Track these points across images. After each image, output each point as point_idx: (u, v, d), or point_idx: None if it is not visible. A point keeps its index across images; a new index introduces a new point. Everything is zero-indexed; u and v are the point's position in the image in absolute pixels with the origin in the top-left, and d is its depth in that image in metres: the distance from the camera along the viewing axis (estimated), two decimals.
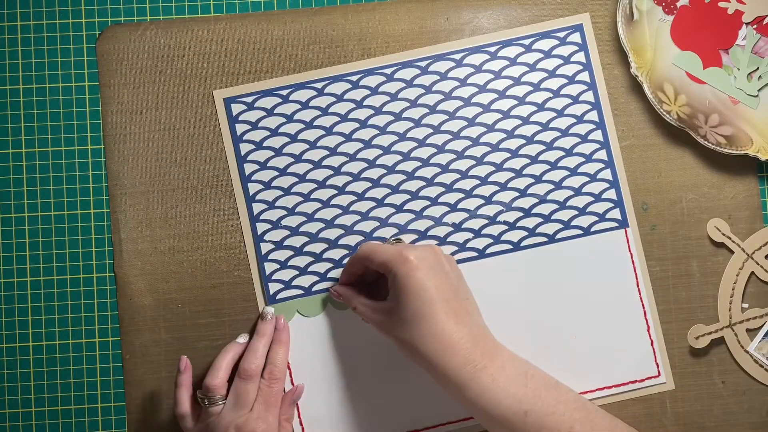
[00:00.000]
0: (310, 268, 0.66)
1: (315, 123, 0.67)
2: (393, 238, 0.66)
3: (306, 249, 0.66)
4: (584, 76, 0.67)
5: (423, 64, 0.67)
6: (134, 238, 0.66)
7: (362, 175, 0.67)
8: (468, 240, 0.66)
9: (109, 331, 0.66)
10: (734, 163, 0.67)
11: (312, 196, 0.66)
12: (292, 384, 0.65)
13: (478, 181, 0.67)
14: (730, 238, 0.67)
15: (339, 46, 0.67)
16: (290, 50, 0.67)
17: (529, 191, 0.67)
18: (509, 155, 0.67)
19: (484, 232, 0.66)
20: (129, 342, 0.66)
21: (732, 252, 0.67)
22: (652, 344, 0.66)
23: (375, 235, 0.66)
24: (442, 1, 0.68)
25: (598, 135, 0.67)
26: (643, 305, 0.66)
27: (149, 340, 0.66)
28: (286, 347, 0.64)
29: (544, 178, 0.67)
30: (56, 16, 0.67)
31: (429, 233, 0.66)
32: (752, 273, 0.66)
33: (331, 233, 0.66)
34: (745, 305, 0.66)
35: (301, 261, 0.66)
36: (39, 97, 0.67)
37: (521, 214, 0.67)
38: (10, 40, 0.67)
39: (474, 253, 0.66)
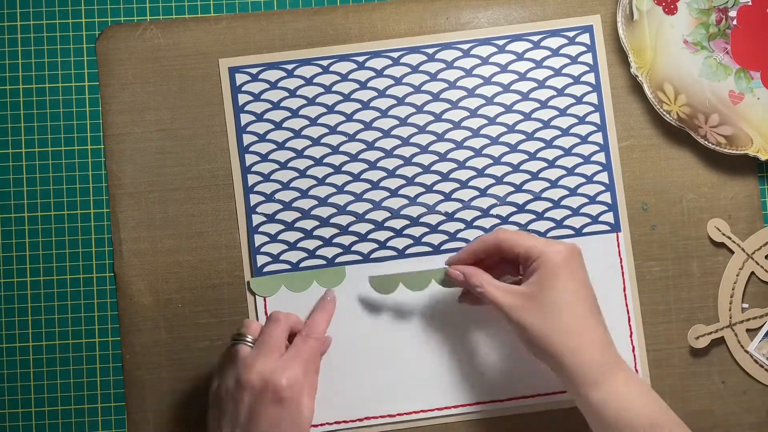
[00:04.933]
0: (300, 244, 0.66)
1: (317, 100, 0.67)
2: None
3: (297, 225, 0.66)
4: (590, 78, 0.67)
5: (430, 51, 0.67)
6: (134, 238, 0.66)
7: (359, 156, 0.66)
8: (459, 230, 0.66)
9: (109, 331, 0.66)
10: (734, 163, 0.67)
11: (308, 173, 0.66)
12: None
13: (474, 173, 0.67)
14: (730, 238, 0.66)
15: (339, 46, 0.67)
16: (290, 50, 0.67)
17: (524, 187, 0.67)
18: (507, 149, 0.67)
19: (476, 224, 0.66)
20: (129, 342, 0.66)
21: (732, 252, 0.67)
22: (633, 350, 0.66)
23: (367, 217, 0.66)
24: (442, 1, 0.68)
25: (598, 137, 0.67)
26: (627, 311, 0.66)
27: (149, 340, 0.66)
28: (328, 315, 0.64)
29: (541, 175, 0.67)
30: (56, 16, 0.67)
31: (421, 220, 0.66)
32: (752, 273, 0.66)
33: (323, 211, 0.66)
34: (745, 305, 0.66)
35: (291, 236, 0.66)
36: (39, 97, 0.67)
37: (515, 209, 0.67)
38: (10, 40, 0.67)
39: (464, 244, 0.66)
